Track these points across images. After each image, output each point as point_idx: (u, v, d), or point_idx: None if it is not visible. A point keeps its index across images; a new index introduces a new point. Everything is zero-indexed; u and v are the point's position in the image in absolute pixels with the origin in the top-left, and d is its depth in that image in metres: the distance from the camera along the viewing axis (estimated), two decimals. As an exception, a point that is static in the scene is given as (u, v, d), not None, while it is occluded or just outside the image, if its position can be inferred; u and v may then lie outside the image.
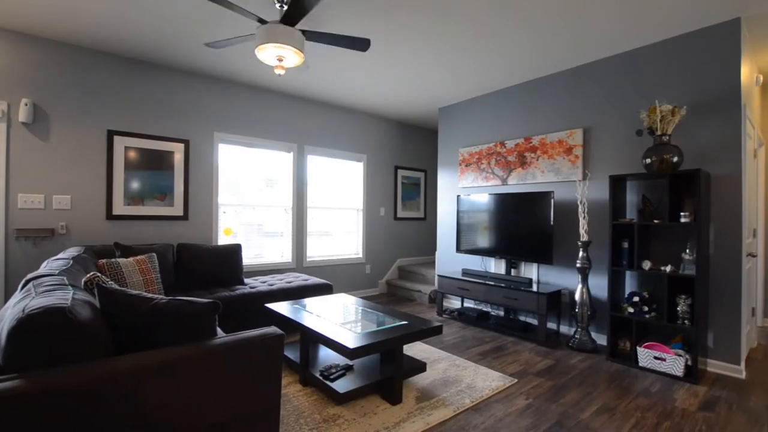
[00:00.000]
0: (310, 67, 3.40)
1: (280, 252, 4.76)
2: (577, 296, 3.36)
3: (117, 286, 1.43)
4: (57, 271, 1.77)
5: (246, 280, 3.82)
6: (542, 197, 3.70)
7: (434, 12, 2.78)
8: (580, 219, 3.38)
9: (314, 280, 3.91)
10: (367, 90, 4.53)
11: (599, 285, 3.51)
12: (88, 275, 1.61)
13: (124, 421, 1.13)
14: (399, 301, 5.21)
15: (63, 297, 1.24)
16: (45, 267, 2.03)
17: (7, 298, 3.15)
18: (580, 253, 3.36)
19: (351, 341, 2.11)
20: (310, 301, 3.03)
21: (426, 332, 2.41)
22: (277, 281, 3.81)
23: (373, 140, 5.67)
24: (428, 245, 6.50)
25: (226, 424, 1.35)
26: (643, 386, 2.63)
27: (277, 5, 2.57)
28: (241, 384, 1.38)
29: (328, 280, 5.14)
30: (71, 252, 2.61)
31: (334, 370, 2.42)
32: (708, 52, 2.93)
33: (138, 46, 3.42)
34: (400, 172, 6.04)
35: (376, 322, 2.53)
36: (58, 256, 2.45)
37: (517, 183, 4.20)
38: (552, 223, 3.60)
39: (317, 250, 5.11)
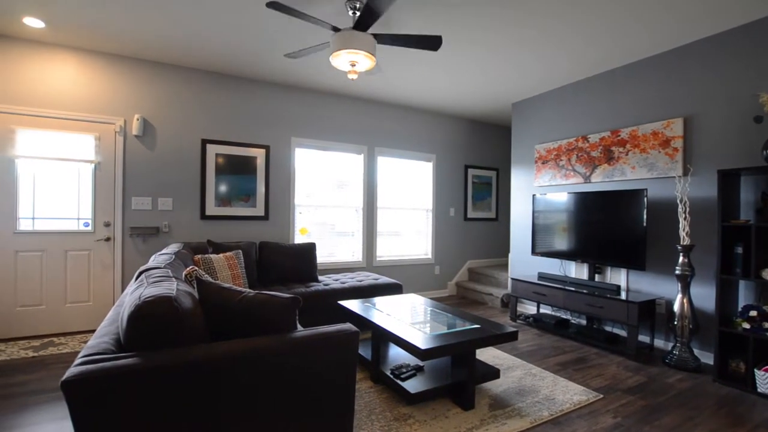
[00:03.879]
0: (382, 70, 3.45)
1: (351, 251, 4.91)
2: (676, 307, 2.98)
3: (211, 280, 1.58)
4: (163, 265, 2.00)
5: (320, 278, 4.00)
6: (633, 195, 3.35)
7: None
8: (680, 220, 3.00)
9: (384, 279, 3.96)
10: (437, 89, 4.48)
11: (703, 295, 3.08)
12: (187, 269, 1.80)
13: (219, 398, 1.24)
14: (469, 304, 5.08)
15: (169, 287, 1.40)
16: (153, 260, 2.31)
17: (123, 286, 3.66)
18: (680, 259, 2.98)
19: (423, 342, 2.10)
20: (380, 300, 3.07)
21: (500, 337, 2.31)
22: (349, 279, 3.93)
23: (443, 139, 5.60)
24: (500, 247, 6.25)
25: (305, 408, 1.43)
26: (765, 417, 2.25)
27: (350, 12, 2.65)
28: (319, 374, 1.45)
29: (397, 279, 5.18)
30: (173, 248, 2.95)
31: (404, 370, 2.43)
32: None
33: (225, 62, 3.76)
34: (471, 171, 5.88)
35: (447, 324, 2.48)
36: (163, 251, 2.78)
37: (603, 180, 3.85)
38: (645, 224, 3.24)
39: (387, 250, 5.18)
